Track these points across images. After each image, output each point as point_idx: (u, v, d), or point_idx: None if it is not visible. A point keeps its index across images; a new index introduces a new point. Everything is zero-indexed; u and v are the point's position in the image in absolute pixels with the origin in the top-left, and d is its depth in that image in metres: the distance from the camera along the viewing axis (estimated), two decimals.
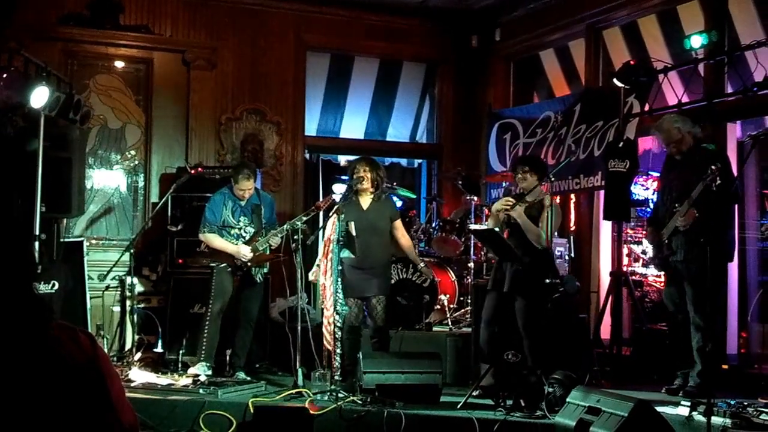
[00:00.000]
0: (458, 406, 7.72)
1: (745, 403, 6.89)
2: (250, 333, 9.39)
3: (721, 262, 7.96)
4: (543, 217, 8.23)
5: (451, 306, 10.34)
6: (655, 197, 10.22)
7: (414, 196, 11.81)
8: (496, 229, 8.47)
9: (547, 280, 8.00)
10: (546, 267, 8.19)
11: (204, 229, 9.21)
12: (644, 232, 9.10)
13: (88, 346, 2.96)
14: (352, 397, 7.88)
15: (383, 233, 8.88)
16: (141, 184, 11.67)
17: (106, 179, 11.52)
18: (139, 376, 8.74)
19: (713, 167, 7.20)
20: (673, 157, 8.12)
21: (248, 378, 8.89)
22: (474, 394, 7.99)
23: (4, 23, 10.42)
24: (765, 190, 9.66)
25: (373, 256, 8.75)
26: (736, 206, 8.73)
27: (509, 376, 7.81)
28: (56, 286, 9.24)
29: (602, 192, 10.08)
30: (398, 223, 9.03)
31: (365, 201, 8.87)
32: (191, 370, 8.91)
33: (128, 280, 9.95)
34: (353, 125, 13.30)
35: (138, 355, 9.47)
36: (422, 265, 9.42)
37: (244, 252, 9.13)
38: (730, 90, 9.21)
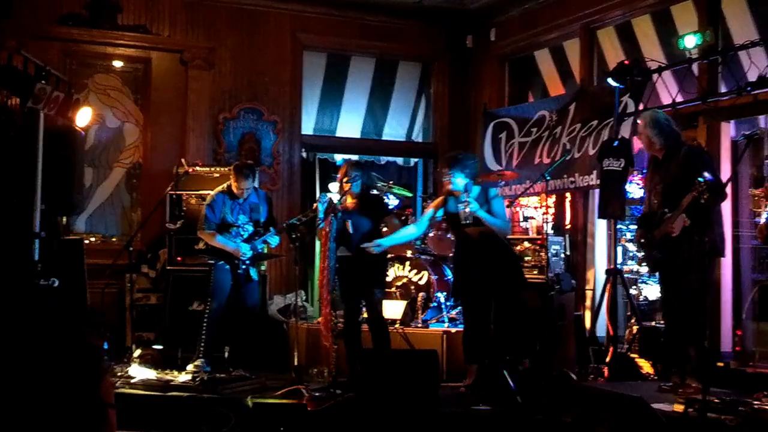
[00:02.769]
0: (454, 403, 7.78)
1: (740, 401, 6.94)
2: (248, 330, 9.45)
3: (712, 259, 7.96)
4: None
5: (448, 303, 10.40)
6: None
7: (410, 195, 11.85)
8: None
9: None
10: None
11: (204, 227, 9.26)
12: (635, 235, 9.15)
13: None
14: (349, 394, 7.93)
15: (372, 232, 8.88)
16: (139, 182, 11.72)
17: (104, 178, 11.57)
18: (138, 372, 8.82)
19: (700, 180, 7.17)
20: (656, 155, 8.12)
21: (247, 374, 8.94)
22: (470, 390, 8.06)
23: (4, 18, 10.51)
24: (757, 189, 9.69)
25: (365, 254, 8.76)
26: (730, 204, 8.80)
27: (505, 373, 7.87)
28: (56, 284, 9.28)
29: (597, 190, 10.13)
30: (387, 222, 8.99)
31: (350, 201, 8.91)
32: (190, 367, 8.97)
33: (127, 277, 10.01)
34: (350, 124, 13.35)
35: (137, 352, 9.53)
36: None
37: (243, 251, 9.19)
38: (724, 89, 9.26)
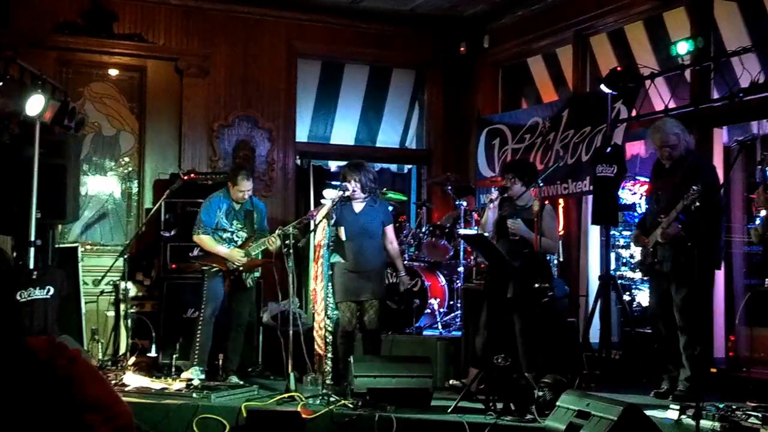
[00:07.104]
0: (449, 410, 7.79)
1: (734, 407, 6.92)
2: (242, 337, 9.48)
3: (709, 270, 8.01)
4: (536, 222, 8.31)
5: (441, 310, 10.42)
6: (643, 202, 10.31)
7: (405, 198, 11.89)
8: (487, 234, 8.57)
9: (536, 285, 8.08)
10: (537, 271, 8.26)
11: (198, 230, 9.28)
12: (631, 235, 9.18)
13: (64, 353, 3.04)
14: (343, 401, 7.94)
15: (376, 237, 8.93)
16: (135, 190, 11.73)
17: (100, 185, 11.58)
18: (133, 380, 8.80)
19: (694, 188, 7.28)
20: (662, 162, 8.20)
21: (241, 382, 8.94)
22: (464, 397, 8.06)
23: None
24: (752, 194, 9.72)
25: (365, 260, 8.79)
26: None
27: (500, 379, 7.87)
28: (51, 292, 9.31)
29: (590, 197, 10.15)
30: (388, 229, 9.05)
31: (358, 205, 8.94)
32: (184, 375, 8.96)
33: (122, 285, 10.02)
34: (344, 131, 13.36)
35: (132, 360, 9.54)
36: (403, 274, 9.46)
37: (237, 256, 9.20)
38: (716, 96, 9.27)
